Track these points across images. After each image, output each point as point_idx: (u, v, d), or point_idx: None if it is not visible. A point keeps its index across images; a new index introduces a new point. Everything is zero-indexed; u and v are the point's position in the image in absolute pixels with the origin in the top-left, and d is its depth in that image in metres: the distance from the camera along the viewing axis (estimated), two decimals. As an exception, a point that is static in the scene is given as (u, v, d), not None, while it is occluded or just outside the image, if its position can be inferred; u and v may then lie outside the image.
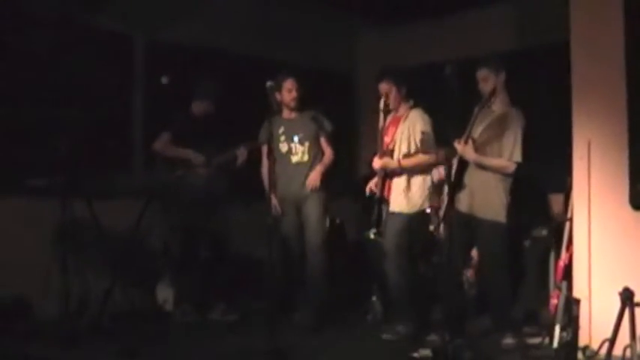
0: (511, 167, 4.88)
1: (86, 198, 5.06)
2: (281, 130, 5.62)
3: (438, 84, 5.05)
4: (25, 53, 5.63)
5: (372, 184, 5.39)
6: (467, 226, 4.94)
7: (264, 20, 6.97)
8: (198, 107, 5.93)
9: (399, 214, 5.23)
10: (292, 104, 5.60)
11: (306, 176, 5.58)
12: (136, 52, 6.32)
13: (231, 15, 6.76)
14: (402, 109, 5.33)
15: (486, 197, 4.91)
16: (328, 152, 5.70)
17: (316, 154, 5.65)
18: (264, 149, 5.57)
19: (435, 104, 5.24)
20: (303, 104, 5.64)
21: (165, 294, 5.83)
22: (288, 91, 5.57)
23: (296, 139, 5.61)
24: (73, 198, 5.04)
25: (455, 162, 4.94)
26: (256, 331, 4.98)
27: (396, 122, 5.34)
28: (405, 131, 5.26)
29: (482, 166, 4.91)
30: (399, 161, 5.22)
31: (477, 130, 4.93)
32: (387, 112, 5.29)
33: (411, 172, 5.23)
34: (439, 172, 5.13)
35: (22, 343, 4.75)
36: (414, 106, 5.32)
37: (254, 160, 5.75)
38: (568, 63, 4.71)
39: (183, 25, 6.39)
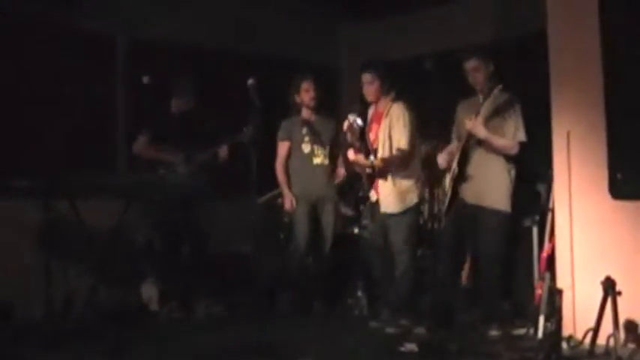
0: (515, 147, 4.88)
1: (69, 198, 5.04)
2: (304, 130, 5.81)
3: (420, 77, 5.08)
4: (6, 53, 5.61)
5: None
6: (465, 218, 4.97)
7: (245, 17, 6.95)
8: (178, 105, 5.88)
9: (391, 215, 5.18)
10: (312, 104, 5.80)
11: (326, 177, 5.78)
12: (119, 51, 6.30)
13: (212, 12, 6.73)
14: (383, 103, 5.27)
15: (492, 186, 4.92)
16: None
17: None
18: (284, 146, 5.82)
19: (417, 97, 5.28)
20: (321, 104, 5.84)
21: (149, 292, 5.81)
22: (305, 92, 5.78)
23: (319, 142, 5.79)
24: (56, 198, 5.03)
25: (456, 151, 4.97)
26: (243, 326, 5.02)
27: (379, 118, 5.27)
28: (386, 130, 5.20)
29: (488, 146, 4.87)
30: (372, 163, 5.14)
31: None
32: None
33: (397, 169, 5.16)
34: (444, 159, 5.10)
35: (6, 346, 4.70)
36: (395, 99, 5.26)
37: (236, 157, 5.74)
38: (546, 54, 4.73)
39: (164, 23, 6.36)
